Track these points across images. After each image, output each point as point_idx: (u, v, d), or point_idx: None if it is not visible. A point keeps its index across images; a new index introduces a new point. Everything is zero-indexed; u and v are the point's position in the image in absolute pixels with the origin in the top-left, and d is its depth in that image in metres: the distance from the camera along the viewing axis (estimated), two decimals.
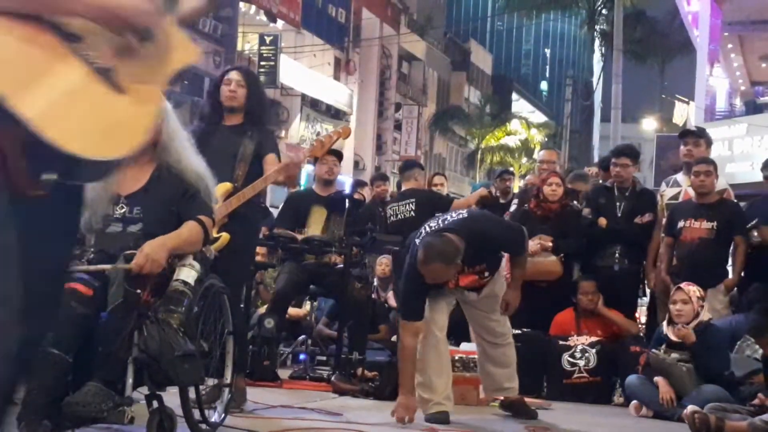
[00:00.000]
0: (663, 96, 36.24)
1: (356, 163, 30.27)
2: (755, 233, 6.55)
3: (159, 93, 1.98)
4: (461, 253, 4.52)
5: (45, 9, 1.73)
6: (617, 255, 6.90)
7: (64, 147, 1.69)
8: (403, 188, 7.82)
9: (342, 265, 6.11)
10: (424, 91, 38.33)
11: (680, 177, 7.14)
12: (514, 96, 53.44)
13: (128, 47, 1.81)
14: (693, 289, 5.84)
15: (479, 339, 5.19)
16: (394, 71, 34.71)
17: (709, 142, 7.19)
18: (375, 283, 8.00)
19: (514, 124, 40.42)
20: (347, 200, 6.52)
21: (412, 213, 7.20)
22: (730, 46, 19.20)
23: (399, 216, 7.33)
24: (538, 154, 10.16)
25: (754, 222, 6.59)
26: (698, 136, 7.18)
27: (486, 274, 4.89)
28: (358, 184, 10.36)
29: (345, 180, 15.97)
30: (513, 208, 7.82)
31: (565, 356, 6.45)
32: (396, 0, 33.81)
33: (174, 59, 1.95)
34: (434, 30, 39.02)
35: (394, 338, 6.59)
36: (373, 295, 7.52)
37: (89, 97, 1.79)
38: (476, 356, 5.34)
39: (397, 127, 35.41)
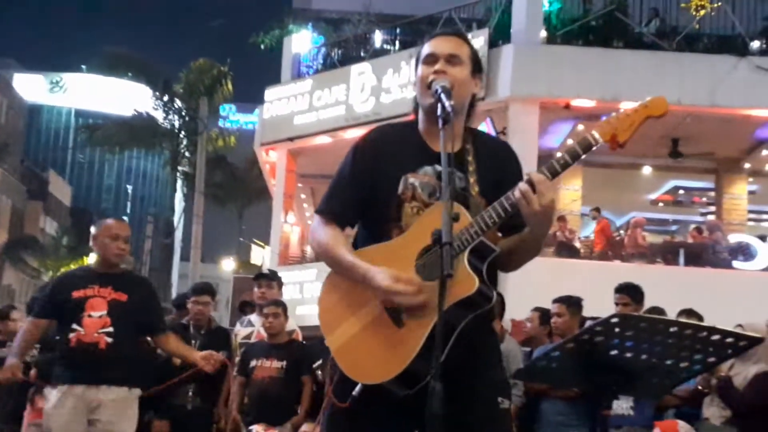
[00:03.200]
0: (241, 239, 37.57)
1: None
2: (320, 373, 6.92)
3: (430, 324, 2.43)
4: None
5: (347, 277, 2.67)
6: (190, 393, 6.86)
7: (347, 374, 2.60)
8: None
9: None
10: None
11: (254, 317, 7.39)
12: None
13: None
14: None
15: None
16: None
17: (280, 285, 7.57)
18: None
19: (91, 258, 39.12)
20: None
21: None
22: (303, 195, 20.60)
23: None
24: None
25: (320, 362, 6.97)
26: (270, 279, 7.54)
27: None
28: None
29: None
30: None
31: None
32: None
33: (453, 293, 2.33)
34: (11, 157, 36.94)
35: None
36: None
37: (373, 334, 2.57)
38: None
39: None
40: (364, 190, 2.74)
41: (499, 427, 2.72)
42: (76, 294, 5.18)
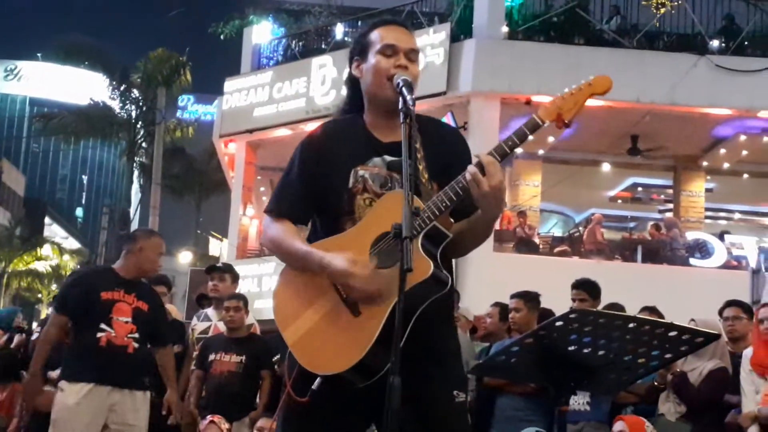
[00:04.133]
0: (199, 231, 37.29)
1: None
2: (277, 368, 6.87)
3: (386, 310, 2.43)
4: None
5: (303, 268, 2.65)
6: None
7: (305, 366, 2.55)
8: None
9: None
10: None
11: (210, 311, 7.31)
12: (48, 220, 51.28)
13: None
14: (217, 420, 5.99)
15: None
16: None
17: (235, 277, 7.48)
18: None
19: (45, 249, 38.58)
20: None
21: None
22: (262, 188, 20.48)
23: None
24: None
25: (278, 356, 6.92)
26: (223, 271, 7.46)
27: None
28: None
29: None
30: (35, 336, 7.39)
31: None
32: None
33: (409, 278, 2.27)
34: None
35: None
36: None
37: (330, 324, 2.56)
38: None
39: None
40: (313, 186, 2.73)
41: (456, 422, 2.70)
42: (105, 295, 5.28)
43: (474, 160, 2.54)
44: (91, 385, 5.14)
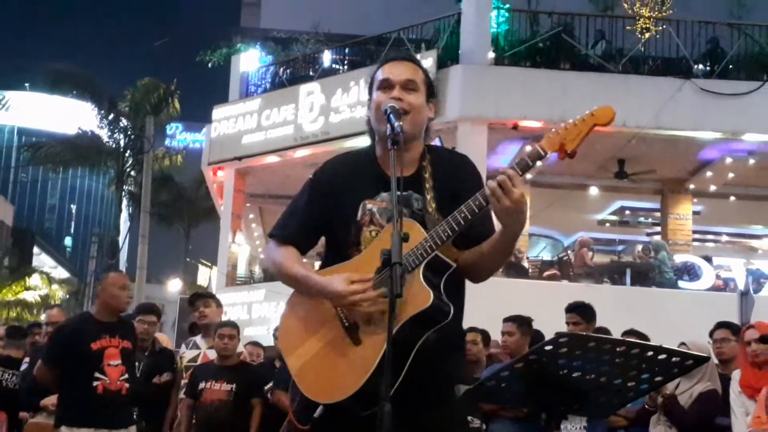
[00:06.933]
0: (188, 259, 37.15)
1: None
2: (270, 396, 6.84)
3: (384, 339, 2.39)
4: None
5: (303, 292, 2.73)
6: (135, 416, 6.72)
7: (307, 394, 2.60)
8: None
9: None
10: None
11: (199, 339, 7.27)
12: (36, 250, 50.99)
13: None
14: None
15: None
16: None
17: (218, 303, 7.47)
18: None
19: (34, 279, 38.32)
20: None
21: None
22: (251, 216, 20.45)
23: None
24: (46, 314, 9.83)
25: (270, 385, 6.89)
26: (207, 297, 7.48)
27: None
28: None
29: None
30: (24, 366, 7.40)
31: None
32: None
33: (409, 308, 2.39)
34: None
35: None
36: None
37: (331, 353, 2.59)
38: None
39: None
40: (320, 217, 2.80)
41: None
42: (95, 345, 5.63)
43: (497, 175, 2.54)
44: (91, 430, 5.56)
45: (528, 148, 2.67)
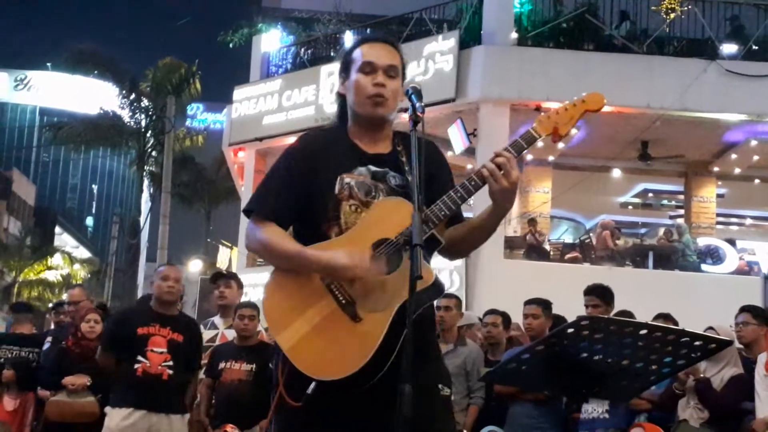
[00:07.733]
0: (209, 240, 37.33)
1: None
2: None
3: (389, 316, 2.49)
4: None
5: (298, 269, 2.63)
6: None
7: (306, 372, 2.54)
8: None
9: None
10: None
11: (217, 319, 7.29)
12: (58, 230, 51.50)
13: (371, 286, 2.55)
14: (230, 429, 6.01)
15: None
16: None
17: (240, 284, 7.47)
18: None
19: (56, 259, 38.70)
20: None
21: None
22: None
23: None
24: (68, 293, 9.93)
25: None
26: (228, 278, 7.46)
27: None
28: None
29: None
30: (47, 345, 7.45)
31: None
32: None
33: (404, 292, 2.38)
34: None
35: None
36: None
37: (329, 330, 2.56)
38: None
39: None
40: (299, 190, 2.75)
41: (441, 413, 2.87)
42: (141, 330, 5.99)
43: (493, 155, 2.68)
44: (130, 410, 5.86)
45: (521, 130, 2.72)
